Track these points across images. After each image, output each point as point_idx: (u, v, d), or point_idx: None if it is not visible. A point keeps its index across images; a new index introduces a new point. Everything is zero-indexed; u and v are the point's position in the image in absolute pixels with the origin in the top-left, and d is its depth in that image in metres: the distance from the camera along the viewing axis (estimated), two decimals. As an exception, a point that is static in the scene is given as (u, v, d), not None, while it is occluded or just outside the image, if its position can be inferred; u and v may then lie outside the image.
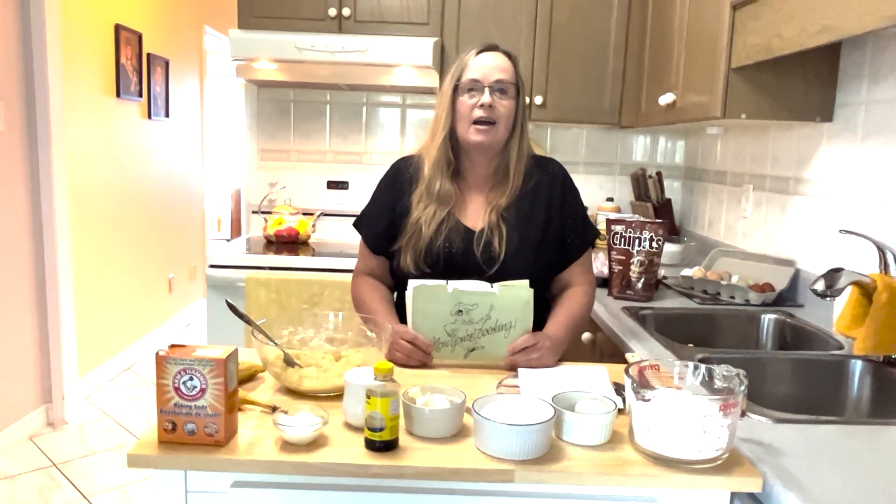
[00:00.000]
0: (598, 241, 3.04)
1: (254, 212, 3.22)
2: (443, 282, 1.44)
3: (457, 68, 1.57)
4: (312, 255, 2.77)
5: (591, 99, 2.86)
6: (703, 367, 1.12)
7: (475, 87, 1.53)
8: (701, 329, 1.98)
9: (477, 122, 1.52)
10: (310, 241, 3.06)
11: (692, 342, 1.80)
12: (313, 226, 3.06)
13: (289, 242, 2.98)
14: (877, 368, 1.50)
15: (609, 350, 1.87)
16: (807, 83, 1.95)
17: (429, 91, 2.97)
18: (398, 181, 1.64)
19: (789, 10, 1.64)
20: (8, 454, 2.98)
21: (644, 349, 1.60)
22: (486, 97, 1.51)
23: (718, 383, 1.08)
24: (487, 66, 1.54)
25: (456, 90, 1.55)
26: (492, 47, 1.58)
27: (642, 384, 1.07)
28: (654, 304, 2.07)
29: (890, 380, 1.47)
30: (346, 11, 2.78)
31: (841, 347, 1.65)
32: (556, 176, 1.64)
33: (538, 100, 2.82)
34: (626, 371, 1.08)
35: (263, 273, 2.62)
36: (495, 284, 1.44)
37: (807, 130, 2.10)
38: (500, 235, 1.54)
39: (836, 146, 1.96)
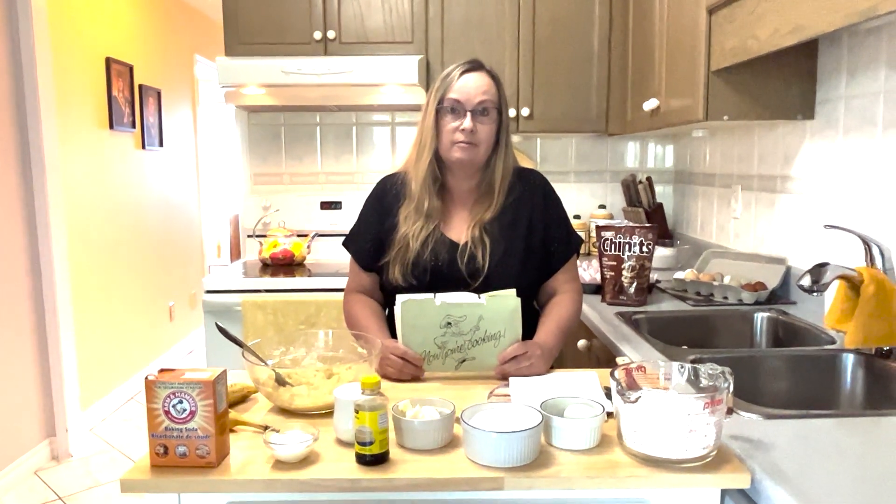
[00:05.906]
0: (591, 249, 3.08)
1: (249, 236, 3.24)
2: (430, 295, 1.45)
3: (441, 86, 1.57)
4: (308, 276, 2.78)
5: (577, 108, 2.88)
6: (688, 366, 1.12)
7: (457, 108, 1.54)
8: (695, 331, 1.99)
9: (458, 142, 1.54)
10: (305, 262, 3.07)
11: (687, 344, 1.81)
12: (308, 247, 3.08)
13: (284, 264, 3.00)
14: (869, 361, 1.50)
15: (605, 357, 1.87)
16: (786, 82, 1.97)
17: (416, 108, 2.95)
18: (385, 199, 1.66)
19: (762, 12, 1.66)
20: (14, 489, 2.98)
21: (638, 353, 1.60)
22: (467, 122, 1.52)
23: (704, 382, 1.09)
24: (470, 88, 1.54)
25: (439, 110, 1.56)
26: (476, 66, 1.58)
27: (629, 386, 1.07)
28: (647, 308, 2.07)
29: (882, 371, 1.47)
30: (331, 34, 2.82)
31: (833, 342, 1.65)
32: (537, 186, 1.65)
33: (525, 111, 2.85)
34: (612, 374, 1.08)
35: (260, 296, 2.63)
36: (482, 295, 1.45)
37: (790, 128, 2.12)
38: (484, 248, 1.55)
39: (819, 142, 1.97)
